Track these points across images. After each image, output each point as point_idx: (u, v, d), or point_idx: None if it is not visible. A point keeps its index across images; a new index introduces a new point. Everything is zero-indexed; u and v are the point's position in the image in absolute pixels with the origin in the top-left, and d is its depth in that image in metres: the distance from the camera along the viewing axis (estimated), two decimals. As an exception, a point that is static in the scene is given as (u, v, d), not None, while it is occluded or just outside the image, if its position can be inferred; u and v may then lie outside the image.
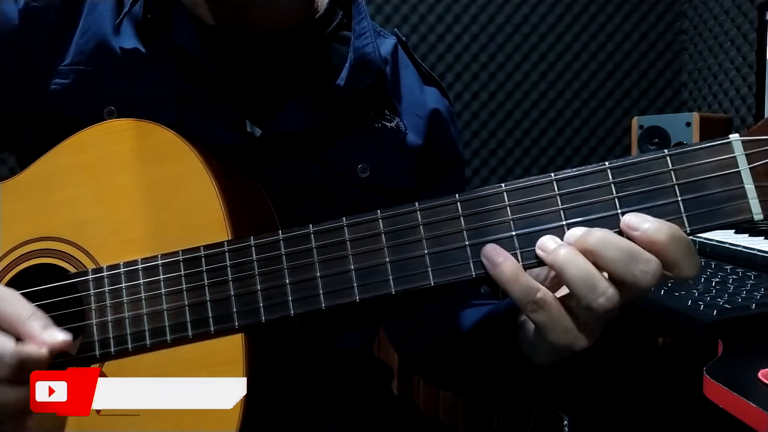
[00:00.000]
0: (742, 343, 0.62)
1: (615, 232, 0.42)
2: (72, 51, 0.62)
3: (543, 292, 0.43)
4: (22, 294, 0.54)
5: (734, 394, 0.51)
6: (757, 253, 0.84)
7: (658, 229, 0.41)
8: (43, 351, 0.47)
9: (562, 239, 0.43)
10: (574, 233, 0.43)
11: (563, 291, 0.45)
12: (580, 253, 0.42)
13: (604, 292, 0.41)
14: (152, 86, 0.61)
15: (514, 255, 0.44)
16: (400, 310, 0.72)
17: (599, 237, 0.41)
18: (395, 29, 0.75)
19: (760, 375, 0.53)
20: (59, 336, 0.48)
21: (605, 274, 0.42)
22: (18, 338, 0.48)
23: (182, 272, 0.51)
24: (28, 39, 0.62)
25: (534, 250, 0.44)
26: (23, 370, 0.47)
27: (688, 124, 1.45)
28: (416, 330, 0.70)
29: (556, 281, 0.48)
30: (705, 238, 0.97)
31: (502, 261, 0.43)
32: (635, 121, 1.56)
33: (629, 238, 0.41)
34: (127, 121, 0.56)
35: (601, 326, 0.45)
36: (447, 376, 0.71)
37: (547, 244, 0.43)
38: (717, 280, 0.77)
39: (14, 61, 0.62)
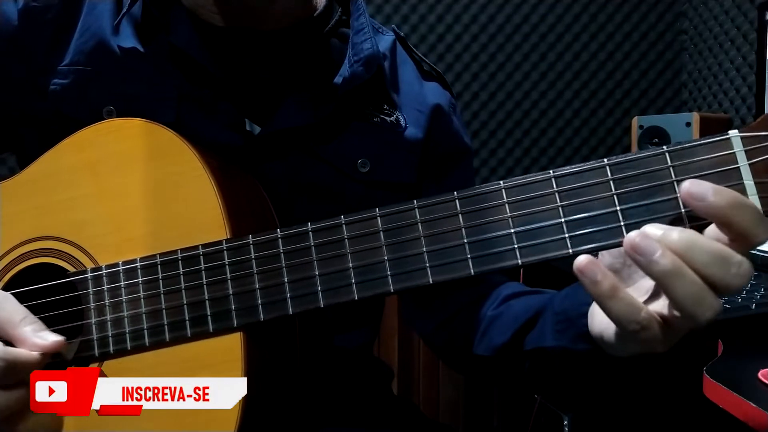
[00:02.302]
0: (742, 343, 0.62)
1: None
2: (71, 51, 0.62)
3: (646, 311, 0.39)
4: (21, 292, 0.54)
5: (734, 394, 0.51)
6: (757, 253, 0.84)
7: (720, 194, 0.37)
8: (34, 354, 0.47)
9: (563, 238, 0.42)
10: (654, 233, 0.38)
11: (639, 291, 0.43)
12: (686, 264, 0.37)
13: (712, 305, 0.38)
14: (151, 86, 0.61)
15: (512, 251, 0.43)
16: (427, 301, 0.70)
17: (687, 239, 0.37)
18: (393, 26, 0.75)
19: (760, 375, 0.53)
20: (50, 338, 0.48)
21: None
22: (9, 342, 0.48)
23: (181, 271, 0.51)
24: (28, 39, 0.62)
25: (534, 246, 0.43)
26: (13, 373, 0.47)
27: (688, 124, 1.45)
28: (449, 321, 0.69)
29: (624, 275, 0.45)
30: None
31: (601, 279, 0.38)
32: (635, 121, 1.56)
33: (691, 208, 0.39)
34: (126, 120, 0.56)
35: (685, 333, 0.41)
36: (494, 371, 0.67)
37: (645, 248, 0.37)
38: (717, 279, 0.76)
39: (14, 61, 0.62)
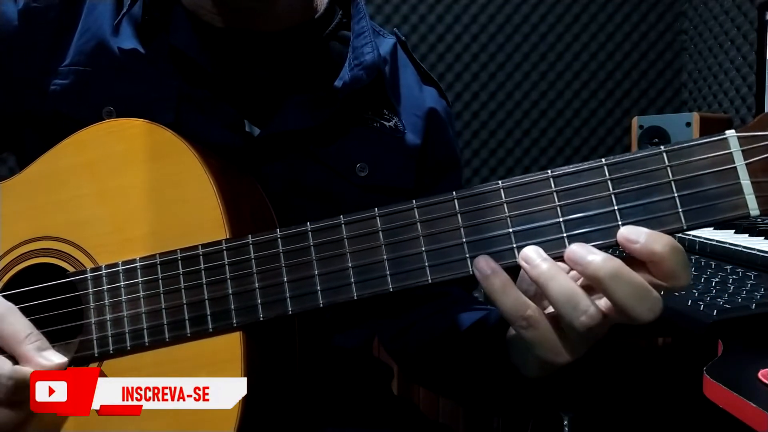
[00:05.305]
0: (742, 343, 0.62)
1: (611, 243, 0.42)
2: (71, 51, 0.62)
3: (533, 309, 0.43)
4: (21, 292, 0.54)
5: (734, 394, 0.51)
6: (757, 253, 0.84)
7: (657, 240, 0.40)
8: None
9: (561, 237, 0.43)
10: (581, 256, 0.41)
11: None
12: (562, 270, 0.41)
13: (586, 311, 0.41)
14: (151, 86, 0.61)
15: (510, 251, 0.44)
16: (390, 312, 0.71)
17: (612, 270, 0.40)
18: (395, 29, 0.75)
19: (760, 375, 0.53)
20: (54, 359, 0.49)
21: (605, 301, 0.41)
22: (14, 359, 0.49)
23: (180, 271, 0.51)
24: (28, 40, 0.62)
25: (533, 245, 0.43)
26: (20, 393, 0.48)
27: (688, 124, 1.45)
28: (406, 331, 0.70)
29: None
30: (705, 238, 0.97)
31: (491, 274, 0.42)
32: (635, 121, 1.56)
33: (627, 250, 0.41)
34: (126, 120, 0.56)
35: (586, 344, 0.44)
36: (434, 379, 0.70)
37: (530, 256, 0.42)
38: (717, 280, 0.76)
39: (14, 61, 0.62)
